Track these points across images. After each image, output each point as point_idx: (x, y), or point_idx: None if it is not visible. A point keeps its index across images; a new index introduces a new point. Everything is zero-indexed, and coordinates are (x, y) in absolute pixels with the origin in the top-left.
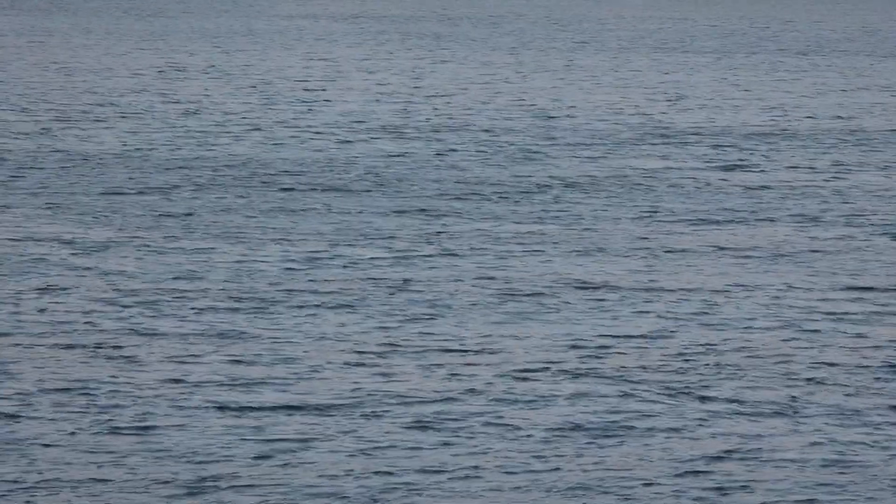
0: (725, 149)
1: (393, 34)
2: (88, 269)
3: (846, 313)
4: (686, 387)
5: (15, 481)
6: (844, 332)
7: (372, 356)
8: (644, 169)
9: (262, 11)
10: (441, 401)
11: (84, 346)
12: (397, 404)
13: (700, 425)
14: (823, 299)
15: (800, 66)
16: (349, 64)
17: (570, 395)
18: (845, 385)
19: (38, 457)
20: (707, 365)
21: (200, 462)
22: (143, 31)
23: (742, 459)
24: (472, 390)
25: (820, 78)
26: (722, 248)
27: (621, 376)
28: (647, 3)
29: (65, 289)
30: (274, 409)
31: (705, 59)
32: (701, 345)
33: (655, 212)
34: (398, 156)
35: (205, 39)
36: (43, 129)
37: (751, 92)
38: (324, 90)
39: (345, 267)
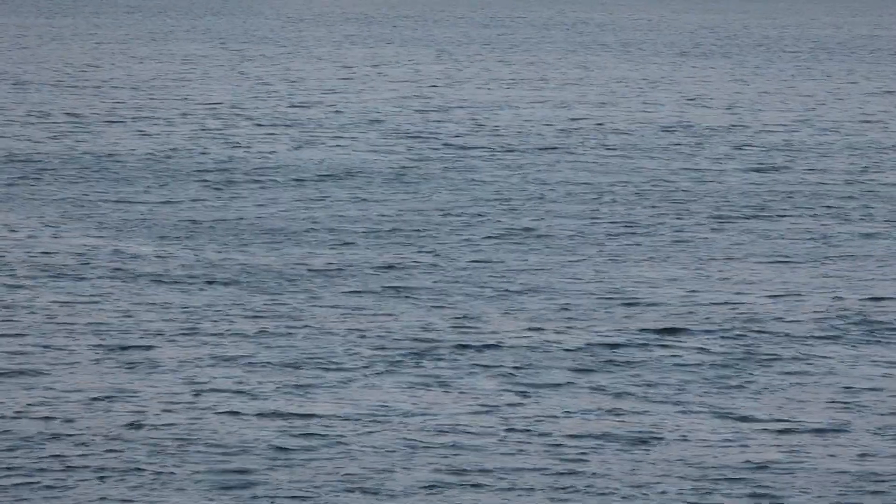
0: (751, 150)
1: (400, 36)
2: (120, 275)
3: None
4: (723, 395)
5: (54, 479)
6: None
7: (402, 359)
8: (669, 170)
9: (265, 12)
10: (470, 406)
11: (114, 352)
12: (424, 408)
13: (736, 435)
14: (868, 307)
15: (816, 68)
16: (364, 66)
17: (605, 403)
18: (890, 399)
19: (73, 456)
20: (747, 372)
21: (230, 462)
22: (147, 32)
23: (779, 471)
24: (504, 395)
25: (838, 79)
26: (759, 253)
27: (656, 383)
28: (646, 4)
29: (98, 295)
30: (301, 412)
31: (723, 62)
32: (740, 353)
33: (686, 215)
34: (419, 158)
35: (214, 41)
36: (66, 133)
37: (771, 94)
38: (344, 92)
39: (373, 269)
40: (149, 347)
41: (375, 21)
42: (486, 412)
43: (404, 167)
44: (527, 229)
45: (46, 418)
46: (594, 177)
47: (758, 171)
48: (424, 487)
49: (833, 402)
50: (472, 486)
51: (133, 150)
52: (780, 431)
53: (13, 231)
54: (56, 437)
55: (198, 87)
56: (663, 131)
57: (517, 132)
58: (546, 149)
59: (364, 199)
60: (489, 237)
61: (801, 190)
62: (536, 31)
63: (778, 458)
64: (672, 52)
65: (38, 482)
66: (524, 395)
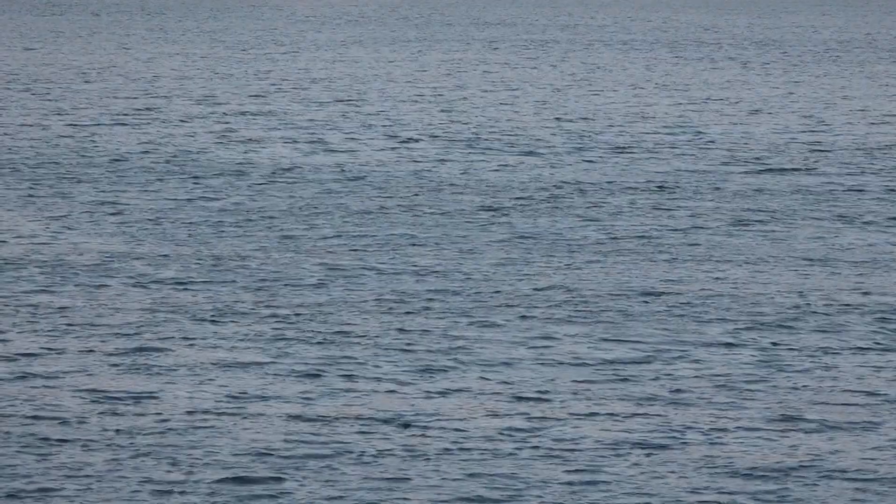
0: (766, 153)
1: (403, 36)
2: (137, 277)
3: None
4: (751, 400)
5: (67, 485)
6: None
7: (421, 364)
8: (685, 173)
9: (267, 13)
10: (493, 413)
11: (131, 355)
12: (445, 415)
13: (767, 440)
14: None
15: (822, 71)
16: (373, 67)
17: (631, 407)
18: None
19: (89, 460)
20: (774, 377)
21: (249, 469)
22: (151, 33)
23: (802, 474)
24: (529, 401)
25: (847, 81)
26: (779, 256)
27: (685, 387)
28: (646, 5)
29: (115, 297)
30: (319, 418)
31: (734, 63)
32: (762, 356)
33: (704, 218)
34: (435, 161)
35: (219, 42)
36: (85, 134)
37: (781, 96)
38: (356, 93)
39: (394, 273)
40: (165, 351)
41: (381, 22)
42: (509, 417)
43: (421, 170)
44: (544, 232)
45: (63, 422)
46: (610, 178)
47: (773, 172)
48: (447, 496)
49: (857, 403)
50: (498, 495)
51: (147, 151)
52: (805, 434)
53: (26, 232)
54: (71, 441)
55: (208, 88)
56: (677, 133)
57: (530, 133)
58: (561, 151)
59: (380, 201)
60: (507, 239)
61: (816, 191)
62: (542, 32)
63: (802, 462)
64: (680, 53)
65: (52, 488)
66: (546, 400)
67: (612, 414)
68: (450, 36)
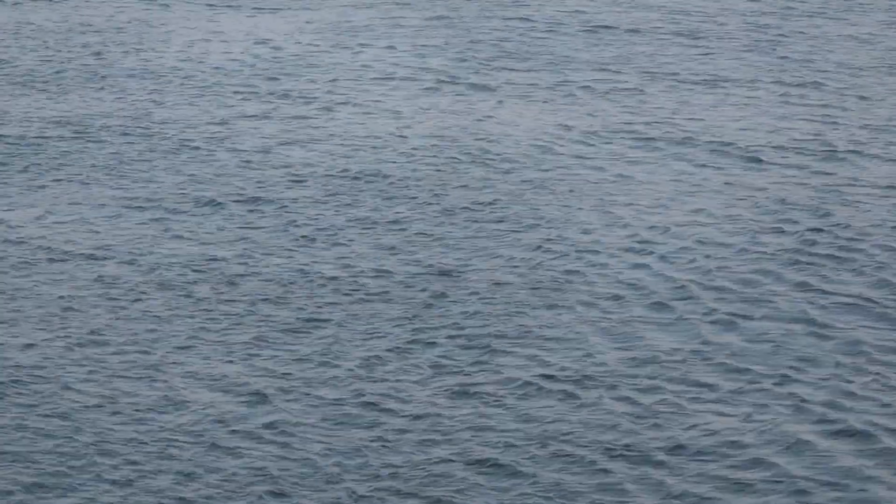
0: (787, 153)
1: (415, 36)
2: (147, 282)
3: None
4: (774, 404)
5: (76, 494)
6: None
7: (435, 367)
8: (704, 171)
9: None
10: (522, 418)
11: (148, 361)
12: (471, 420)
13: (790, 445)
14: None
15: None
16: (380, 67)
17: (666, 410)
18: None
19: (107, 473)
20: (797, 381)
21: (252, 476)
22: (142, 31)
23: (836, 482)
24: (561, 404)
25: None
26: (806, 259)
27: (715, 390)
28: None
29: (131, 300)
30: (328, 424)
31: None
32: (799, 360)
33: (712, 221)
34: (446, 160)
35: (214, 38)
36: (73, 131)
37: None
38: (364, 95)
39: (413, 275)
40: (183, 356)
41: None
42: (531, 420)
43: (430, 173)
44: (556, 237)
45: (75, 427)
46: (627, 176)
47: (795, 174)
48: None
49: (872, 407)
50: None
51: (154, 152)
52: (817, 436)
53: (35, 231)
54: (81, 448)
55: (210, 87)
56: (697, 131)
57: (546, 132)
58: (575, 149)
59: (397, 202)
60: (525, 239)
61: (829, 190)
62: (547, 32)
63: (817, 465)
64: (683, 51)
65: (67, 500)
66: (570, 400)
67: (633, 416)
68: (457, 34)
